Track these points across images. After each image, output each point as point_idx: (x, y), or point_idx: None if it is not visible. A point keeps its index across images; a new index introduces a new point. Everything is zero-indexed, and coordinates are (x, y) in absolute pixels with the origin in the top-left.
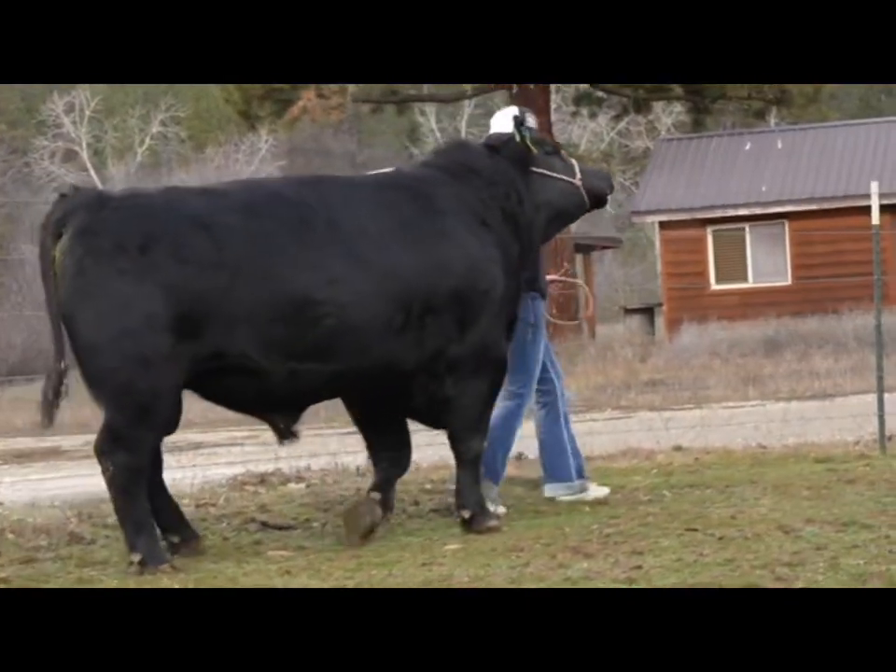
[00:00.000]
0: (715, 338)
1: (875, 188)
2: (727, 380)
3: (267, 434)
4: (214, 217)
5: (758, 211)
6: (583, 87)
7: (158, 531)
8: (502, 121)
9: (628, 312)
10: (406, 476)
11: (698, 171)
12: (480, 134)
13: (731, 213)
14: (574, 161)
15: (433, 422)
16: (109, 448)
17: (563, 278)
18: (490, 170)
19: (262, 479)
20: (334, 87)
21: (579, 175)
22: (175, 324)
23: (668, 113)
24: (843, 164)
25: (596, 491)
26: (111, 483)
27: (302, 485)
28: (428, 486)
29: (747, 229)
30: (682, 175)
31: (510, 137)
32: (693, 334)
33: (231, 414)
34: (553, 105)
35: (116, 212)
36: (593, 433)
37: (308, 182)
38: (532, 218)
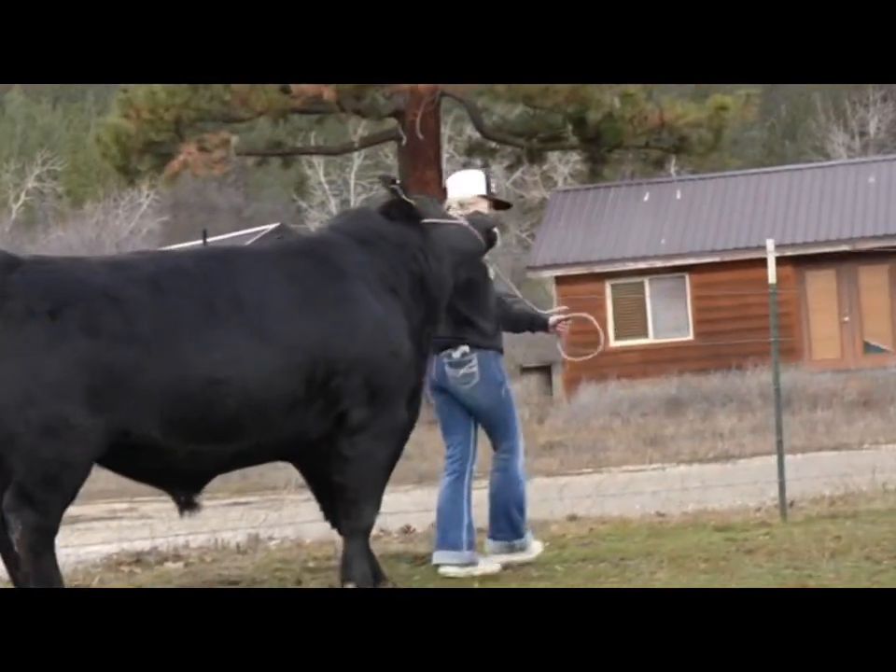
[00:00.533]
0: (615, 397)
1: (770, 245)
2: (627, 441)
3: (146, 507)
4: (123, 290)
5: (657, 264)
6: (475, 137)
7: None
8: (464, 185)
9: (525, 370)
10: (288, 554)
11: (595, 223)
12: (369, 186)
13: (630, 266)
14: (443, 206)
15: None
16: (18, 506)
17: (568, 315)
18: (395, 234)
19: (138, 558)
20: (216, 140)
21: (460, 217)
22: (84, 395)
23: (565, 162)
24: (745, 215)
25: (487, 565)
26: (20, 542)
27: (180, 564)
28: (312, 564)
29: (646, 283)
30: (579, 227)
31: (392, 200)
32: (592, 393)
33: (111, 485)
34: (445, 156)
35: (25, 275)
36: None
37: (213, 255)
38: (439, 271)
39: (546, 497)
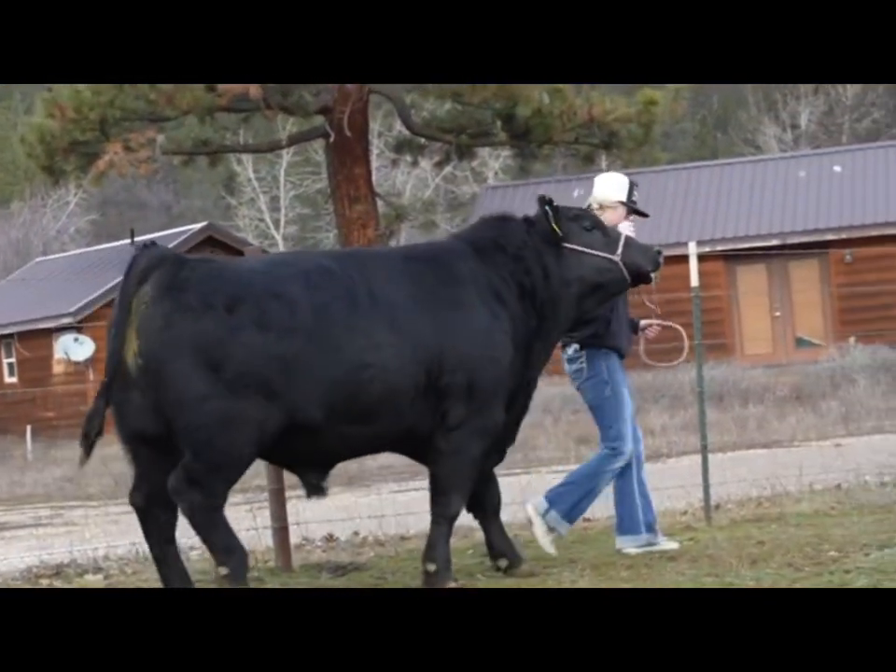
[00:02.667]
0: (547, 394)
1: (692, 248)
2: (558, 440)
3: (71, 513)
4: (283, 287)
5: None
6: (404, 133)
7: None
8: (607, 187)
9: None
10: (208, 565)
11: None
12: (298, 182)
13: None
14: (620, 235)
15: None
16: (184, 489)
17: (658, 322)
18: (516, 247)
19: (58, 570)
20: (141, 139)
21: (619, 251)
22: (259, 386)
23: (495, 158)
24: (675, 209)
25: (666, 543)
26: (191, 519)
27: (100, 576)
28: None
29: None
30: None
31: (541, 216)
32: None
33: (38, 489)
34: (374, 152)
35: (196, 272)
36: (411, 510)
37: (349, 255)
38: (558, 293)
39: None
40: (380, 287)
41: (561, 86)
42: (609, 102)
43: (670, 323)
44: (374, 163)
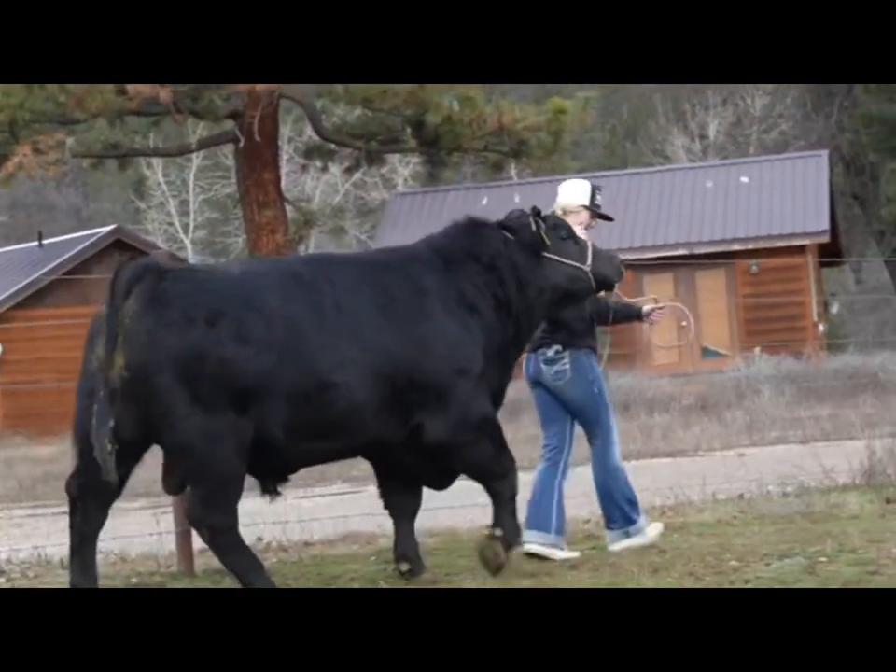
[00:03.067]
0: None
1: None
2: None
3: None
4: (261, 300)
5: None
6: (314, 139)
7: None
8: (570, 192)
9: None
10: (112, 569)
11: (434, 226)
12: (208, 186)
13: None
14: (588, 245)
15: (434, 485)
16: (203, 514)
17: (661, 304)
18: (491, 256)
19: None
20: (51, 141)
21: (589, 261)
22: (236, 399)
23: (405, 164)
24: None
25: (568, 553)
26: (212, 544)
27: (2, 580)
28: (135, 580)
29: None
30: (417, 230)
31: (527, 225)
32: None
33: None
34: (284, 157)
35: (176, 284)
36: (315, 516)
37: (318, 260)
38: (533, 301)
39: (375, 510)
40: (347, 297)
41: (471, 94)
42: (519, 110)
43: (675, 304)
44: (284, 168)
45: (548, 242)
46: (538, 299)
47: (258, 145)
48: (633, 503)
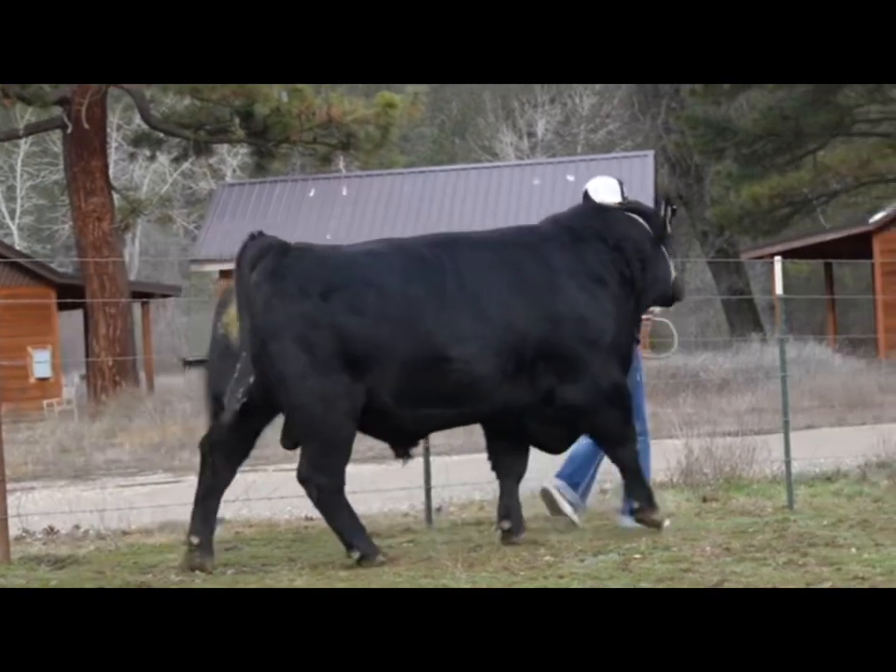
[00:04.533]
0: None
1: None
2: None
3: None
4: (379, 278)
5: None
6: (143, 127)
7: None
8: (605, 191)
9: (188, 363)
10: None
11: (261, 218)
12: (35, 172)
13: None
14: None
15: (550, 449)
16: (311, 475)
17: (650, 317)
18: (617, 238)
19: None
20: None
21: (673, 274)
22: (349, 365)
23: (234, 155)
24: (410, 212)
25: (577, 517)
26: (318, 503)
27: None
28: None
29: None
30: (244, 221)
31: (656, 212)
32: None
33: None
34: (113, 145)
35: (298, 260)
36: (134, 505)
37: (442, 243)
38: (649, 286)
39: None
40: (471, 276)
41: (300, 85)
42: (348, 103)
43: (661, 318)
44: (112, 156)
45: (669, 231)
46: (653, 285)
47: (86, 132)
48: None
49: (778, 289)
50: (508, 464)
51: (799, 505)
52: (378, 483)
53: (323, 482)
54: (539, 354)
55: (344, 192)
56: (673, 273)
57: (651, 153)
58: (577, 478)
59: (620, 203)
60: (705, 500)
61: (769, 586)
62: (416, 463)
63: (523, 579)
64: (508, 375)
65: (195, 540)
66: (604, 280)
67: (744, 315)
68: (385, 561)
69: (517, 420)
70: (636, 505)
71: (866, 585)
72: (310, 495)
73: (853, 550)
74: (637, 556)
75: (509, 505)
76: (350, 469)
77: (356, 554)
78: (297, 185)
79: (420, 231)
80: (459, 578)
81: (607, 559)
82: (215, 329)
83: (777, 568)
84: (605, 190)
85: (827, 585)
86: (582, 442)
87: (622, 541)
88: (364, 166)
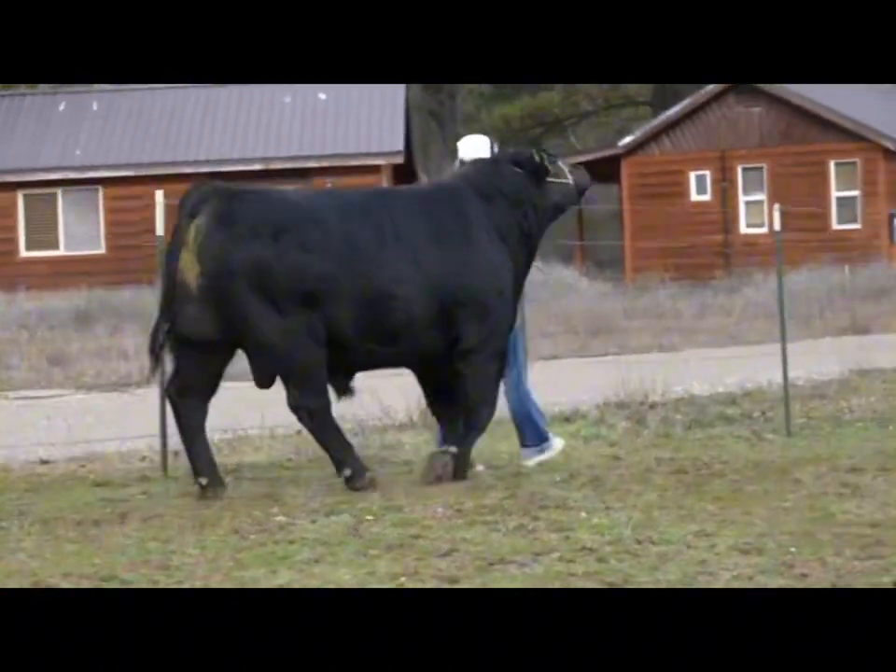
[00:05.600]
0: (23, 309)
1: (159, 197)
2: (30, 360)
3: None
4: (323, 217)
5: (71, 175)
6: None
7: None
8: (473, 148)
9: None
10: None
11: (8, 132)
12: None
13: (42, 177)
14: (560, 163)
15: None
16: (297, 402)
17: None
18: (514, 191)
19: None
20: None
21: (569, 175)
22: (306, 300)
23: None
24: (160, 129)
25: (559, 443)
26: (312, 428)
27: None
28: None
29: (59, 194)
30: None
31: (529, 156)
32: (1, 304)
33: None
34: None
35: (247, 204)
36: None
37: (377, 194)
38: (541, 223)
39: None
40: (403, 224)
41: None
42: None
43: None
44: None
45: (550, 168)
46: (543, 220)
47: None
48: (543, 421)
49: None
50: (440, 411)
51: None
52: (118, 419)
53: (312, 405)
54: (456, 301)
55: (95, 107)
56: (567, 178)
57: None
58: (533, 431)
59: (495, 157)
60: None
61: (497, 558)
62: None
63: (252, 543)
64: (433, 319)
65: (203, 481)
66: (505, 237)
67: None
68: (371, 482)
69: (434, 369)
70: (453, 449)
71: (593, 558)
72: (301, 420)
73: (583, 514)
74: (369, 518)
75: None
76: (93, 400)
77: (347, 472)
78: (47, 98)
79: (172, 145)
80: (188, 542)
81: (339, 521)
82: (169, 274)
83: (506, 534)
84: (475, 149)
85: (555, 556)
86: (511, 401)
87: (356, 499)
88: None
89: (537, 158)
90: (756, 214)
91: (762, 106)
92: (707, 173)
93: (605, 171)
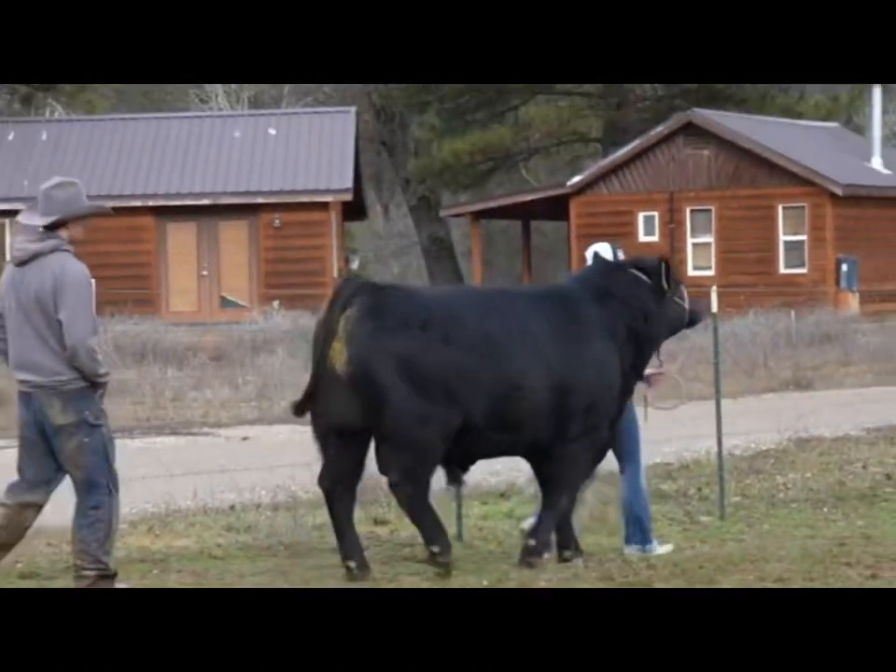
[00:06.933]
0: None
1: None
2: None
3: None
4: (461, 313)
5: (19, 206)
6: None
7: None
8: (603, 251)
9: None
10: None
11: None
12: None
13: None
14: (683, 287)
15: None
16: (401, 483)
17: (660, 370)
18: (625, 294)
19: None
20: None
21: (687, 300)
22: (445, 391)
23: None
24: (110, 161)
25: (663, 549)
26: (407, 509)
27: None
28: None
29: (7, 225)
30: None
31: (653, 263)
32: None
33: None
34: None
35: (393, 298)
36: None
37: (502, 293)
38: (657, 333)
39: None
40: (526, 321)
41: None
42: None
43: (674, 375)
44: None
45: (668, 287)
46: (659, 330)
47: None
48: (650, 524)
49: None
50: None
51: (466, 535)
52: None
53: (410, 490)
54: (569, 393)
55: (44, 137)
56: (685, 304)
57: (352, 109)
58: (639, 531)
59: (624, 262)
60: (376, 522)
61: None
62: None
63: None
64: (552, 409)
65: (352, 564)
66: (614, 335)
67: (444, 264)
68: (452, 562)
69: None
70: (531, 542)
71: None
72: (399, 500)
73: None
74: None
75: (566, 538)
76: None
77: (435, 549)
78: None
79: (121, 177)
80: None
81: None
82: (320, 363)
83: None
84: (605, 254)
85: None
86: (626, 497)
87: None
88: (66, 110)
89: (661, 266)
90: (703, 256)
91: (710, 148)
92: (656, 214)
93: (554, 209)
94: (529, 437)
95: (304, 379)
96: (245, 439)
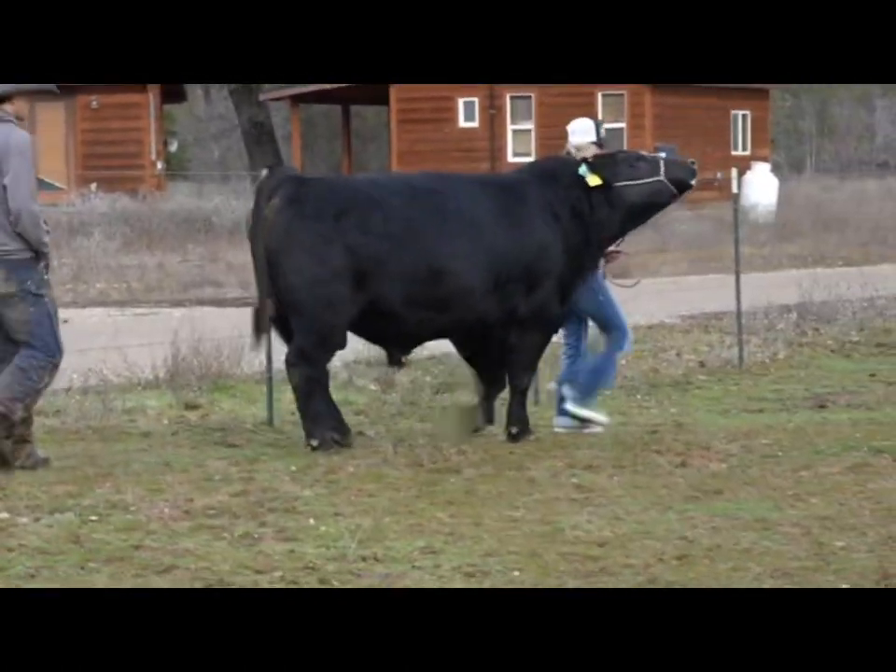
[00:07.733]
0: None
1: None
2: None
3: None
4: (384, 200)
5: None
6: None
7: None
8: (581, 133)
9: None
10: None
11: None
12: None
13: None
14: (658, 159)
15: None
16: (297, 362)
17: (619, 250)
18: (570, 178)
19: None
20: None
21: (662, 171)
22: (353, 277)
23: None
24: None
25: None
26: (296, 388)
27: None
28: None
29: None
30: None
31: (602, 161)
32: None
33: None
34: None
35: (313, 188)
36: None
37: (439, 177)
38: (603, 220)
39: None
40: (463, 205)
41: None
42: None
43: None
44: None
45: (602, 182)
46: (610, 217)
47: None
48: (597, 390)
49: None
50: (487, 380)
51: (277, 420)
52: None
53: (305, 371)
54: (509, 276)
55: None
56: (659, 174)
57: None
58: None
59: (594, 143)
60: (187, 407)
61: (217, 579)
62: None
63: None
64: (487, 291)
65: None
66: (557, 216)
67: (264, 148)
68: (340, 448)
69: (489, 334)
70: (513, 430)
71: (315, 578)
72: (291, 379)
73: (311, 520)
74: (94, 519)
75: (487, 411)
76: None
77: (313, 442)
78: None
79: None
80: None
81: (63, 520)
82: (258, 252)
83: (231, 543)
84: (582, 132)
85: (278, 575)
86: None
87: (86, 490)
88: None
89: (582, 175)
90: (523, 143)
91: None
92: (476, 99)
93: (374, 94)
94: (466, 317)
95: (119, 262)
96: (64, 321)
